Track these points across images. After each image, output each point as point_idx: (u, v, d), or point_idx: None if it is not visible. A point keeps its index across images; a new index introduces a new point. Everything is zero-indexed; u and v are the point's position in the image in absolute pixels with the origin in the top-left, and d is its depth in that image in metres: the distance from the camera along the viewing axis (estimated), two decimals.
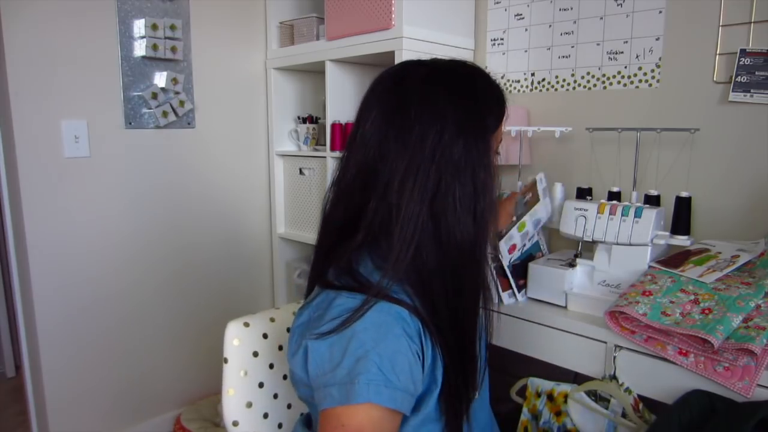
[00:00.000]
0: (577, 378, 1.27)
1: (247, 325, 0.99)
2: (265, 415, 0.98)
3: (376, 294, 0.70)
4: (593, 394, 1.16)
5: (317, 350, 0.70)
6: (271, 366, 1.01)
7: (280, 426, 1.01)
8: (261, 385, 0.98)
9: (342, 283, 0.74)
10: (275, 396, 1.00)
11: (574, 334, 1.20)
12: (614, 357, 1.12)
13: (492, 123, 0.79)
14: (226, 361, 0.95)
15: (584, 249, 1.32)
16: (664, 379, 1.05)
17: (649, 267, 1.21)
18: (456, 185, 0.73)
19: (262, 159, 2.21)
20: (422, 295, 0.73)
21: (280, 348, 1.03)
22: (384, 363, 0.66)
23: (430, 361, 0.73)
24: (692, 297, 1.06)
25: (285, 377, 1.03)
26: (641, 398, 1.10)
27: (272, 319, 1.04)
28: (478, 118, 0.77)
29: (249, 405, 0.96)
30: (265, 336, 1.01)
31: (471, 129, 0.75)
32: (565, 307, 1.28)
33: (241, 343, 0.97)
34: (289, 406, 1.02)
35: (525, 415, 1.25)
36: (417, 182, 0.72)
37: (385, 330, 0.69)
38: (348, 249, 0.76)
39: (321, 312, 0.74)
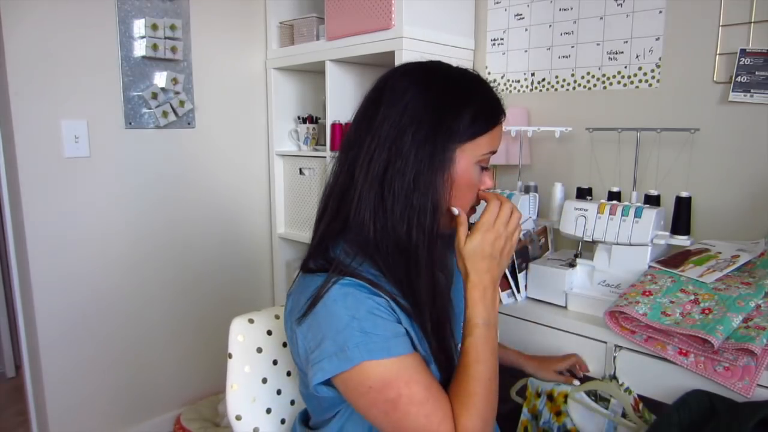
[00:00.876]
0: None
1: (251, 321, 1.00)
2: (268, 411, 0.99)
3: (340, 271, 0.74)
4: (593, 394, 1.16)
5: (301, 334, 0.75)
6: (275, 362, 1.01)
7: (282, 422, 1.01)
8: (264, 380, 0.99)
9: (317, 266, 0.78)
10: (278, 392, 1.01)
11: (574, 334, 1.20)
12: (614, 357, 1.12)
13: (461, 129, 0.77)
14: (230, 356, 0.96)
15: (584, 249, 1.32)
16: (664, 379, 1.05)
17: (649, 267, 1.21)
18: (398, 176, 0.75)
19: (262, 159, 2.21)
20: (388, 275, 0.77)
21: (284, 345, 1.03)
22: (364, 324, 0.71)
23: (414, 335, 0.76)
24: (692, 297, 1.06)
25: (288, 374, 1.03)
26: (641, 398, 1.11)
27: (277, 317, 1.05)
28: (440, 118, 0.76)
29: (252, 400, 0.97)
30: (269, 333, 1.02)
31: (426, 126, 0.75)
32: (565, 307, 1.28)
33: (245, 339, 0.98)
34: (292, 402, 1.03)
35: (525, 415, 1.25)
36: (371, 166, 0.76)
37: (353, 297, 0.73)
38: (319, 229, 0.81)
39: (298, 296, 0.78)
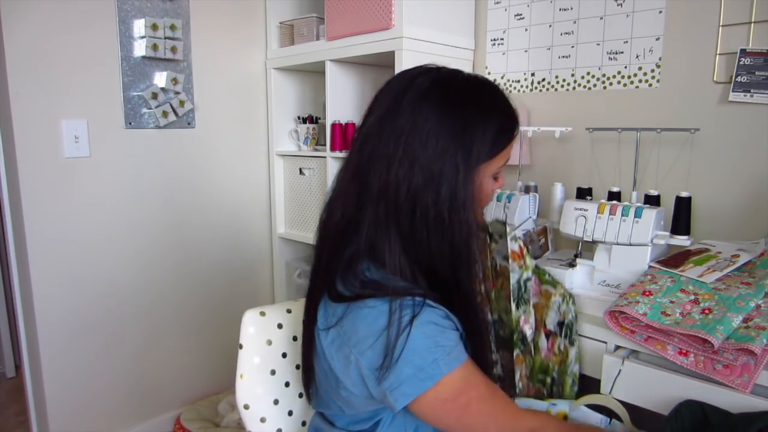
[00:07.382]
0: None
1: (263, 314, 1.02)
2: (276, 402, 1.00)
3: (394, 292, 0.74)
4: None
5: (366, 360, 0.74)
6: (284, 355, 1.02)
7: (290, 413, 1.02)
8: (273, 372, 1.01)
9: (351, 292, 0.77)
10: (287, 384, 1.02)
11: None
12: (620, 370, 1.08)
13: (482, 151, 0.78)
14: (240, 347, 0.98)
15: (584, 249, 1.31)
16: (660, 388, 1.02)
17: (649, 267, 1.21)
18: (432, 205, 0.75)
19: (262, 159, 2.21)
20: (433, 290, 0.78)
21: (295, 339, 1.04)
22: (437, 339, 0.73)
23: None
24: (692, 297, 1.06)
25: (297, 367, 1.04)
26: (635, 408, 1.08)
27: (289, 311, 1.06)
28: (464, 145, 0.76)
29: (261, 391, 0.99)
30: (280, 326, 1.03)
31: (452, 153, 0.75)
32: None
33: (256, 331, 1.00)
34: (300, 395, 1.04)
35: None
36: (399, 190, 0.75)
37: (423, 316, 0.73)
38: (349, 256, 0.79)
39: (353, 327, 0.75)
